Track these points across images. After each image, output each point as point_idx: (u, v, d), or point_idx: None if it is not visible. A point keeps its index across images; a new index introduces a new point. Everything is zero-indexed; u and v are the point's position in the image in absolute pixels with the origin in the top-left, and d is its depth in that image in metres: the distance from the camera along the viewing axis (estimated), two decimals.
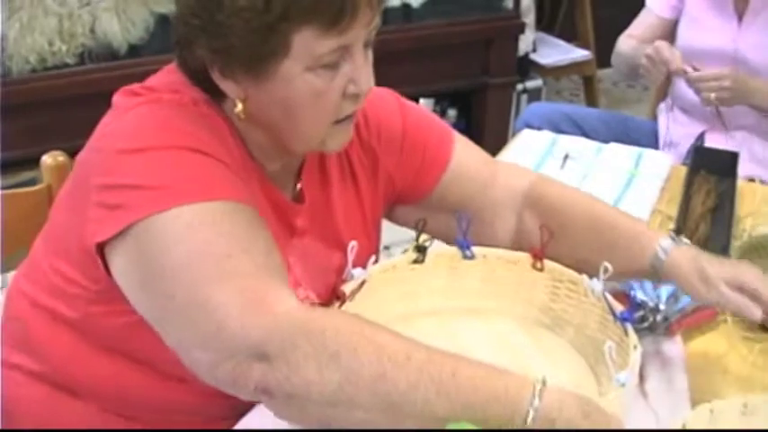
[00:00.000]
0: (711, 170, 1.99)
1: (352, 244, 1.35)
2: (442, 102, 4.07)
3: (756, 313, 1.30)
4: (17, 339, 1.37)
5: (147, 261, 1.12)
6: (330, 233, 1.40)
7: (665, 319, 1.48)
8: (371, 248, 1.48)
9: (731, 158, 2.02)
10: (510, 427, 1.02)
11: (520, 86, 4.14)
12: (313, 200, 1.37)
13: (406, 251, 1.46)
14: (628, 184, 1.98)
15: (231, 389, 1.09)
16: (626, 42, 2.59)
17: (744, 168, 2.27)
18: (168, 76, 1.27)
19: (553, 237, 1.41)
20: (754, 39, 2.36)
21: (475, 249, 1.46)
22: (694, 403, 1.31)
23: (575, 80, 4.97)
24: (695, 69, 2.27)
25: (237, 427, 1.27)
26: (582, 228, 1.44)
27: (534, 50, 4.33)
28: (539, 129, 2.34)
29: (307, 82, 1.16)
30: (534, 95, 4.21)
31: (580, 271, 1.42)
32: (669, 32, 2.56)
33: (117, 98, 1.26)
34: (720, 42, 2.39)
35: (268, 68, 1.15)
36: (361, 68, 1.19)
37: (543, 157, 2.10)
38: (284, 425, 1.16)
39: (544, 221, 1.46)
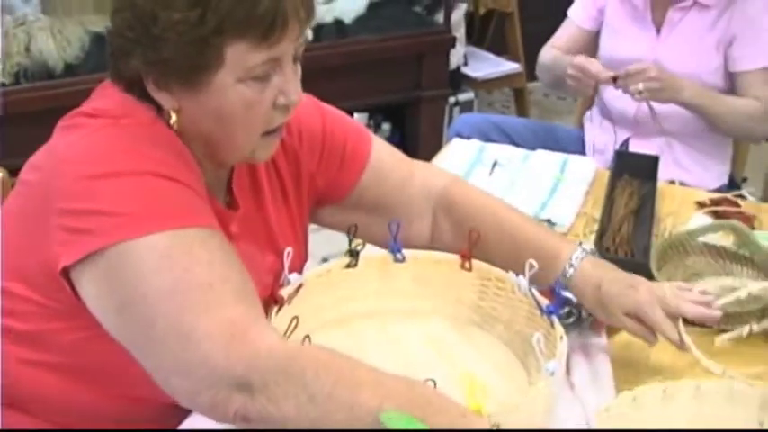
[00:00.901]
0: (634, 174, 2.07)
1: (288, 250, 1.39)
2: (377, 116, 4.13)
3: (653, 342, 1.41)
4: None
5: (124, 288, 1.13)
6: (263, 237, 1.44)
7: (590, 314, 1.54)
8: (301, 251, 1.52)
9: (652, 162, 2.09)
10: None
11: (452, 99, 4.22)
12: (246, 206, 1.41)
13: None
14: (554, 188, 2.05)
15: (209, 414, 1.13)
16: (548, 53, 2.67)
17: (667, 172, 2.36)
18: (113, 96, 1.28)
19: (479, 240, 1.47)
20: (671, 48, 2.45)
21: (405, 252, 1.51)
22: (619, 393, 1.38)
23: (506, 93, 5.06)
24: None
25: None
26: (491, 238, 1.49)
27: (465, 64, 4.42)
28: (468, 138, 2.40)
29: (239, 93, 1.20)
30: (466, 108, 4.29)
31: None
32: (590, 43, 2.64)
33: (68, 121, 1.26)
34: (640, 52, 2.46)
35: (202, 80, 1.19)
36: (290, 81, 1.24)
37: (472, 165, 2.16)
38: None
39: (456, 227, 1.53)
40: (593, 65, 2.37)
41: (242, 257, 1.26)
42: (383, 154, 1.56)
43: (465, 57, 4.41)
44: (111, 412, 1.34)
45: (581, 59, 2.39)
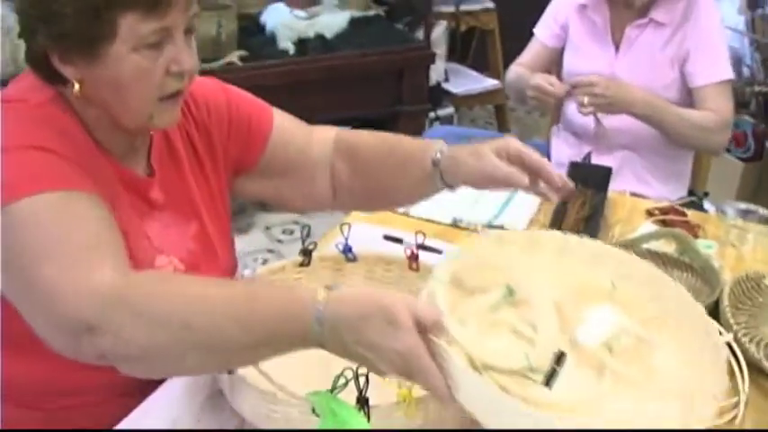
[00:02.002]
0: (587, 184, 2.14)
1: (242, 262, 1.49)
2: (358, 129, 4.20)
3: (523, 180, 1.42)
4: None
5: (2, 248, 1.24)
6: (185, 204, 1.53)
7: None
8: (223, 224, 1.61)
9: (605, 173, 2.18)
10: (309, 340, 1.14)
11: (432, 114, 4.31)
12: (164, 174, 1.51)
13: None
14: (510, 197, 2.14)
15: (76, 358, 1.21)
16: (513, 70, 2.77)
17: (626, 186, 2.46)
18: (23, 80, 1.40)
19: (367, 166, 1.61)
20: (628, 65, 2.55)
21: (357, 252, 1.60)
22: None
23: (489, 109, 5.14)
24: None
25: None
26: (376, 156, 1.62)
27: (447, 80, 4.52)
28: None
29: (133, 61, 1.30)
30: (446, 122, 4.38)
31: (376, 196, 1.64)
32: (553, 59, 2.75)
33: None
34: (599, 68, 2.56)
35: (99, 51, 1.29)
36: (182, 50, 1.34)
37: None
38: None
39: (351, 163, 1.64)
40: (552, 85, 2.46)
41: (167, 223, 1.40)
42: (285, 121, 1.67)
43: (446, 73, 4.51)
44: (53, 381, 1.42)
45: (538, 80, 2.48)
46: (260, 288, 1.22)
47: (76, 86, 1.34)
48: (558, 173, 1.44)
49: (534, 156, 1.44)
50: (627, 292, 1.36)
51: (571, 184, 1.44)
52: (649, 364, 1.26)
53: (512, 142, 1.46)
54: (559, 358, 1.22)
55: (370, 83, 3.91)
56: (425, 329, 1.09)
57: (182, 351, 1.17)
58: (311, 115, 1.69)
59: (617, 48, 2.58)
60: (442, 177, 1.52)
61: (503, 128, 4.77)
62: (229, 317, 1.15)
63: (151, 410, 1.40)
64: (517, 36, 2.88)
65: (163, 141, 1.52)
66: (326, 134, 1.69)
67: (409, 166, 1.56)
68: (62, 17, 1.27)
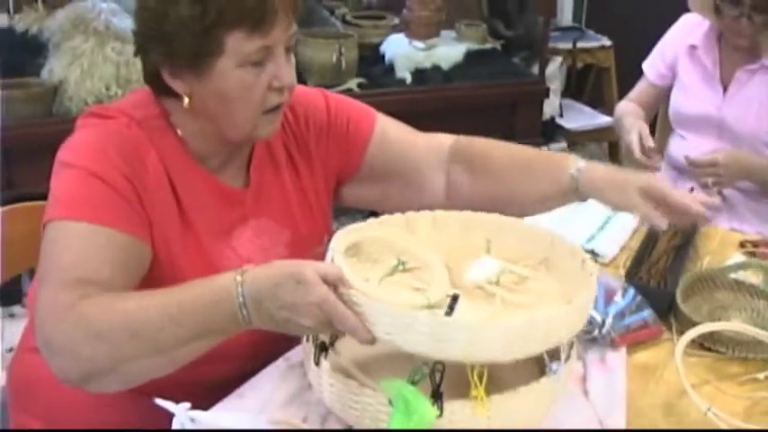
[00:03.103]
0: None
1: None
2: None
3: (663, 223, 1.49)
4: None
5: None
6: (281, 212, 1.62)
7: (609, 332, 1.68)
8: (319, 230, 1.68)
9: None
10: (237, 320, 1.26)
11: (544, 148, 4.35)
12: (262, 183, 1.60)
13: None
14: (603, 225, 2.18)
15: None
16: (621, 106, 2.85)
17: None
18: (134, 95, 1.54)
19: (494, 171, 1.66)
20: (736, 108, 2.56)
21: None
22: (630, 405, 1.53)
23: (603, 146, 5.14)
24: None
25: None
26: (502, 163, 1.66)
27: (561, 115, 4.56)
28: None
29: (238, 76, 1.41)
30: None
31: (502, 203, 1.63)
32: (660, 98, 2.81)
33: (82, 118, 1.52)
34: (707, 110, 2.60)
35: (207, 67, 1.41)
36: (282, 67, 1.44)
37: None
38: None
39: (471, 171, 1.68)
40: (646, 141, 2.54)
41: (260, 232, 1.52)
42: (388, 125, 1.72)
43: (561, 108, 4.55)
44: None
45: (635, 146, 2.55)
46: (188, 285, 1.31)
47: (186, 100, 1.45)
48: (703, 211, 1.50)
49: (679, 199, 1.49)
50: (502, 245, 1.55)
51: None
52: (531, 291, 1.47)
53: (657, 183, 1.50)
54: (455, 299, 1.39)
55: (483, 114, 3.96)
56: (333, 285, 1.22)
57: (134, 359, 1.28)
58: None
59: (725, 90, 2.59)
60: (577, 192, 1.58)
61: (615, 165, 4.76)
62: (165, 318, 1.26)
63: (244, 395, 1.50)
64: (633, 74, 2.93)
65: (265, 151, 1.61)
66: (440, 141, 1.73)
67: (540, 178, 1.60)
68: (173, 36, 1.39)
